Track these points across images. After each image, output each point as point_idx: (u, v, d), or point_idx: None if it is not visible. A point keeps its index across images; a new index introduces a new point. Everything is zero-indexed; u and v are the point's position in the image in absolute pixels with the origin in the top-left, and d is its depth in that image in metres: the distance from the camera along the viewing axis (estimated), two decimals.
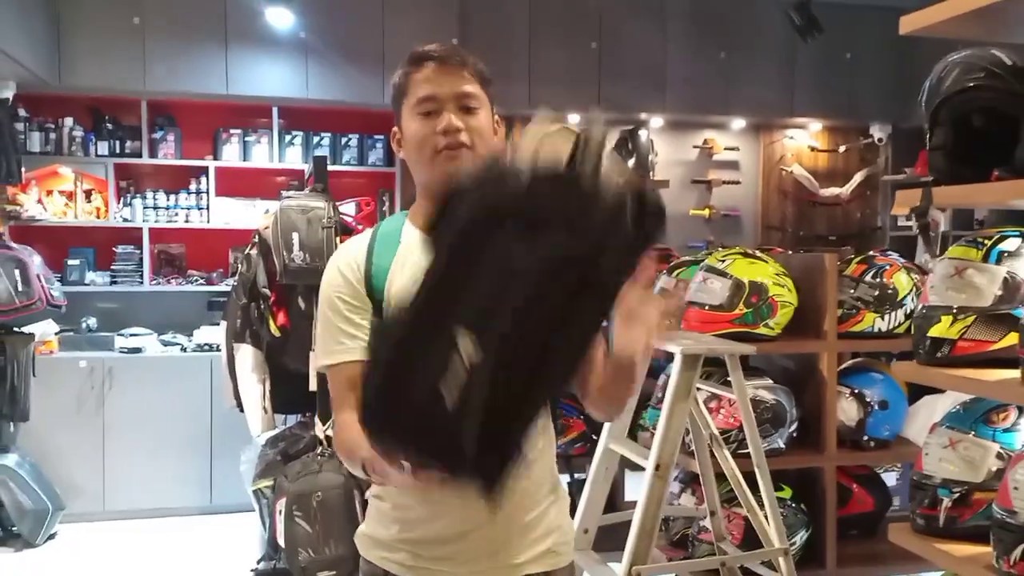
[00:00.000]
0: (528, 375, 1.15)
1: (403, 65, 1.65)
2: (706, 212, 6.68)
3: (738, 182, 6.74)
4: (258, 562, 4.37)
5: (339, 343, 1.61)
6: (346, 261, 1.65)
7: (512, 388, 1.14)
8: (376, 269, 1.62)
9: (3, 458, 4.76)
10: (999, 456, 1.95)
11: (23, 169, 5.37)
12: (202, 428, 5.34)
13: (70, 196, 5.71)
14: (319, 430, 3.66)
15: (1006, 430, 1.99)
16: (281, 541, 3.63)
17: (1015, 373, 1.81)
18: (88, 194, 5.74)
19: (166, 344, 5.60)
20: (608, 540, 3.12)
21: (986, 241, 2.00)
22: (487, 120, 1.64)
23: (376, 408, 1.21)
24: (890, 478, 3.82)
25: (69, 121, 5.68)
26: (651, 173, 6.37)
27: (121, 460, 5.26)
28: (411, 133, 1.62)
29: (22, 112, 5.56)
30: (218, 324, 5.22)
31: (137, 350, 5.43)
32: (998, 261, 1.96)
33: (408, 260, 1.59)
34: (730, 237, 6.54)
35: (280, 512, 3.59)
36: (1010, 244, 1.98)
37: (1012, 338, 1.88)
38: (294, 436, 3.87)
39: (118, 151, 5.74)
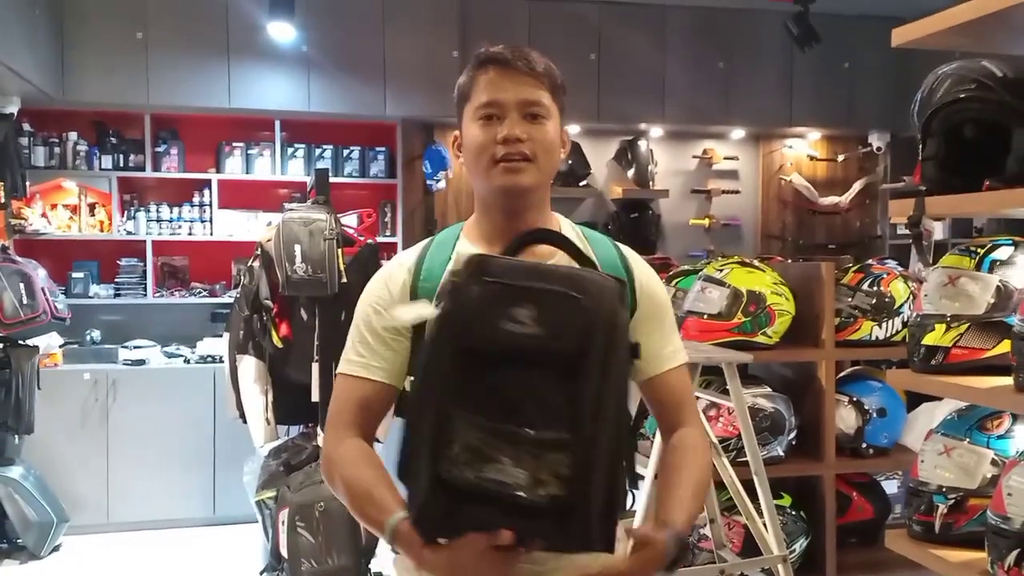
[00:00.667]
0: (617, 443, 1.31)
1: (469, 67, 1.56)
2: (706, 221, 6.70)
3: (737, 191, 6.77)
4: (261, 573, 4.38)
5: (360, 356, 1.54)
6: (393, 275, 1.57)
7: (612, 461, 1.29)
8: (424, 287, 1.52)
9: (8, 470, 4.78)
10: (993, 463, 1.97)
11: (28, 183, 5.41)
12: (205, 439, 5.36)
13: (74, 210, 5.75)
14: (322, 441, 3.68)
15: (1000, 437, 2.01)
16: (284, 552, 3.64)
17: (1008, 380, 1.83)
18: (92, 208, 5.78)
19: (170, 356, 5.62)
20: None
21: (979, 250, 2.02)
22: (554, 132, 1.53)
23: (432, 507, 1.30)
24: (891, 486, 3.83)
25: (73, 135, 5.71)
26: (651, 183, 6.41)
27: (125, 472, 5.28)
28: (470, 139, 1.52)
29: (26, 127, 5.60)
30: (221, 336, 5.25)
31: (141, 362, 5.45)
32: (991, 270, 1.99)
33: None
34: (730, 246, 6.56)
35: (283, 523, 3.61)
36: (1002, 253, 2.01)
37: (1005, 346, 1.90)
38: (297, 447, 3.90)
39: (122, 165, 5.77)
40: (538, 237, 1.49)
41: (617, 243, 1.62)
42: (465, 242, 1.56)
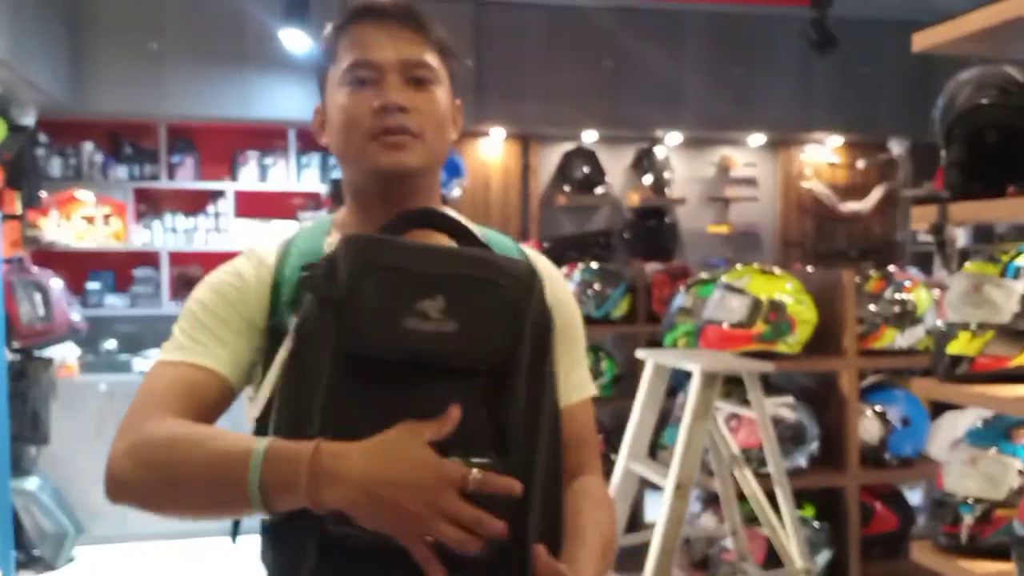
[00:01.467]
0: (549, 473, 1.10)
1: (333, 22, 1.24)
2: (724, 229, 6.66)
3: (756, 199, 6.73)
4: None
5: (191, 340, 1.16)
6: (247, 262, 1.22)
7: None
8: (287, 278, 1.18)
9: (24, 482, 4.78)
10: (1020, 473, 1.93)
11: (43, 194, 5.43)
12: None
13: (89, 220, 5.77)
14: None
15: None
16: None
17: None
18: (107, 218, 5.80)
19: None
20: (628, 561, 3.09)
21: (1003, 256, 1.98)
22: (445, 102, 1.22)
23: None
24: (914, 496, 3.77)
25: (89, 146, 5.74)
26: (668, 191, 6.38)
27: None
28: (336, 109, 1.20)
29: (42, 137, 5.63)
30: None
31: None
32: (1016, 276, 1.94)
33: None
34: (749, 254, 6.52)
35: None
36: None
37: None
38: None
39: (137, 175, 5.80)
40: (421, 217, 1.17)
41: (524, 247, 1.33)
42: (336, 239, 1.20)
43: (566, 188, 6.22)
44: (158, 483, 1.07)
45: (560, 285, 1.31)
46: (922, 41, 2.03)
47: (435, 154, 1.21)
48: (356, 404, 1.01)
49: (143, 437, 1.08)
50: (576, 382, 1.29)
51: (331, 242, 1.21)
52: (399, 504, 0.95)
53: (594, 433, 1.34)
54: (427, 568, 0.97)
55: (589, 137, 6.34)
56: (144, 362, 5.48)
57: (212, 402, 1.16)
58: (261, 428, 1.10)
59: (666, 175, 6.37)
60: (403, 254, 1.05)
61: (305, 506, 0.98)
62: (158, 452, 1.07)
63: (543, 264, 1.30)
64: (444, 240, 1.18)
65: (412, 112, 1.17)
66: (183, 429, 1.07)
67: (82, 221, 5.77)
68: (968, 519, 1.97)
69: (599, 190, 6.32)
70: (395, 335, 1.00)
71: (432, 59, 1.20)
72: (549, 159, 6.38)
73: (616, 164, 6.47)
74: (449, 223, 1.18)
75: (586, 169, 6.23)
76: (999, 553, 1.89)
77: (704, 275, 3.63)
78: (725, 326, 3.19)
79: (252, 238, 5.87)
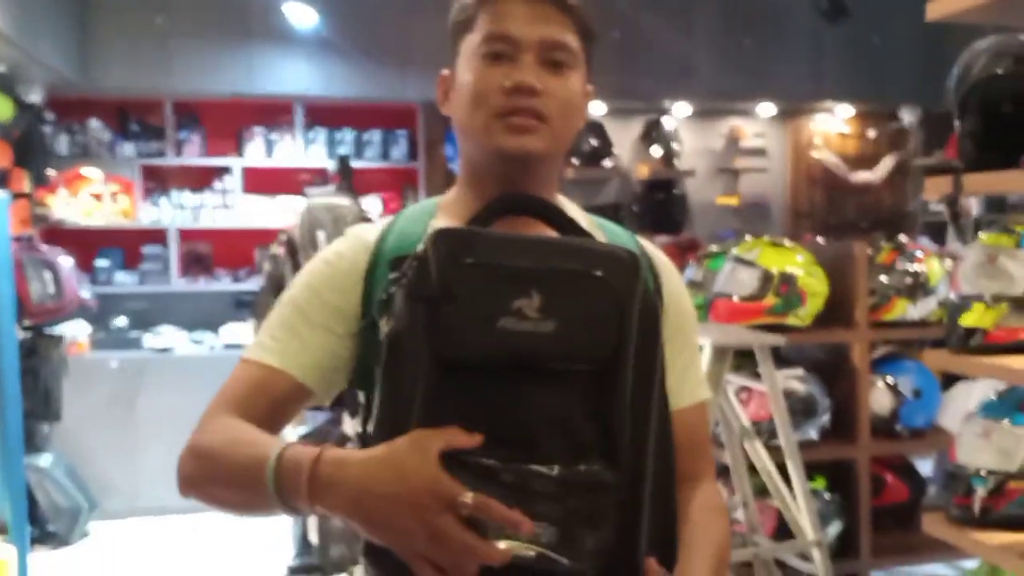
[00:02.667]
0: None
1: None
2: (734, 200, 6.62)
3: (766, 170, 6.68)
4: (294, 559, 4.40)
5: (274, 339, 1.15)
6: (345, 251, 1.18)
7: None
8: (380, 284, 1.11)
9: (37, 458, 4.81)
10: None
11: (51, 172, 5.42)
12: None
13: (97, 198, 5.76)
14: (348, 426, 3.67)
15: None
16: (313, 537, 3.65)
17: None
18: (115, 195, 5.79)
19: (196, 343, 5.64)
20: None
21: (1018, 228, 1.97)
22: (579, 88, 1.17)
23: None
24: (925, 466, 3.78)
25: (95, 123, 5.72)
26: (677, 163, 6.34)
27: (154, 458, 5.29)
28: (466, 81, 1.14)
29: (49, 115, 5.61)
30: (244, 321, 5.25)
31: (167, 349, 5.47)
32: None
33: None
34: (759, 225, 6.47)
35: None
36: None
37: None
38: (324, 432, 3.89)
39: (144, 152, 5.78)
40: (518, 203, 1.12)
41: (643, 242, 1.27)
42: (443, 221, 1.17)
43: (575, 161, 6.19)
44: (209, 481, 1.08)
45: (675, 280, 1.25)
46: (937, 10, 2.00)
47: (560, 140, 1.15)
48: (453, 412, 0.94)
49: (202, 436, 1.10)
50: (690, 385, 1.23)
51: (434, 224, 1.16)
52: (390, 519, 0.91)
53: (708, 438, 1.29)
54: None
55: (597, 109, 6.30)
56: (154, 338, 5.50)
57: (281, 403, 1.14)
58: (364, 442, 1.08)
59: (675, 147, 6.32)
60: (495, 247, 0.97)
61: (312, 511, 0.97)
62: (208, 452, 1.08)
63: (659, 258, 1.25)
64: (543, 229, 1.12)
65: (544, 95, 1.11)
66: (231, 432, 1.08)
67: (90, 199, 5.76)
68: (981, 491, 1.96)
69: (607, 163, 6.28)
70: (491, 337, 0.93)
71: (573, 41, 1.15)
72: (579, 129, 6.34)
73: (625, 136, 6.43)
74: (547, 209, 1.12)
75: (594, 141, 6.19)
76: (1012, 524, 1.89)
77: (714, 248, 3.61)
78: (735, 299, 3.18)
79: (259, 214, 5.87)
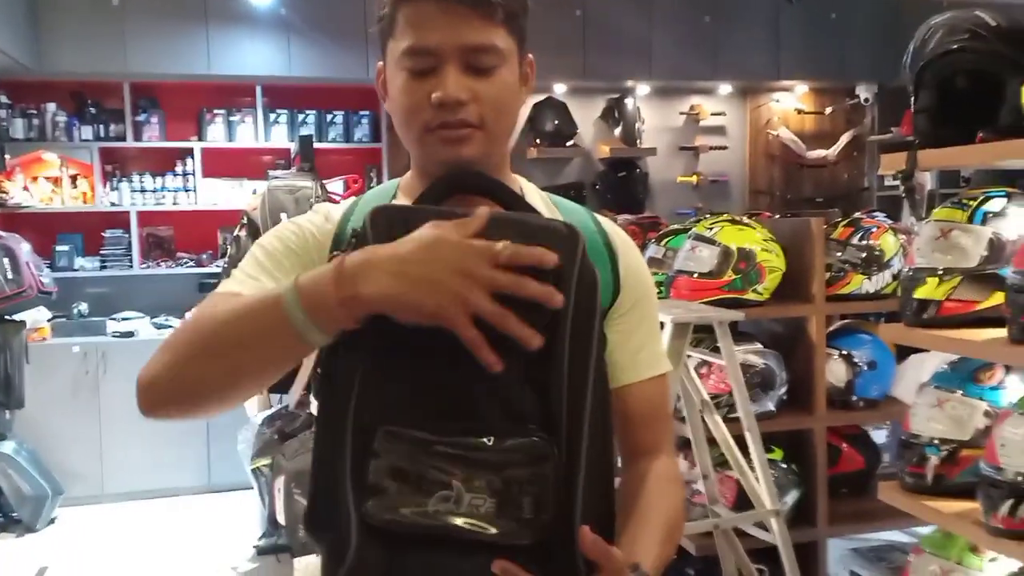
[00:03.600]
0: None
1: None
2: (694, 179, 6.68)
3: (725, 147, 6.74)
4: (260, 539, 4.41)
5: (252, 278, 1.13)
6: (312, 218, 1.20)
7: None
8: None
9: (1, 445, 4.77)
10: (986, 414, 1.97)
11: (7, 156, 5.34)
12: None
13: (56, 182, 5.69)
14: (315, 408, 3.69)
15: (993, 388, 2.01)
16: (281, 519, 3.66)
17: (1001, 332, 1.83)
18: (74, 179, 5.72)
19: (159, 327, 5.60)
20: None
21: (971, 202, 2.01)
22: (510, 81, 1.14)
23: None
24: (880, 435, 3.86)
25: (52, 106, 5.64)
26: (639, 141, 6.38)
27: (118, 443, 5.27)
28: (396, 95, 1.14)
29: (3, 99, 5.52)
30: None
31: (130, 334, 5.43)
32: (983, 222, 1.98)
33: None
34: (718, 203, 6.54)
35: (279, 490, 3.62)
36: (995, 205, 2.00)
37: (998, 298, 1.90)
38: (290, 415, 3.90)
39: (102, 135, 5.71)
40: (464, 181, 1.11)
41: (596, 215, 1.27)
42: (403, 201, 1.20)
43: (537, 140, 6.21)
44: (194, 360, 1.01)
45: (633, 255, 1.25)
46: None
47: (498, 138, 1.15)
48: (392, 386, 0.96)
49: (171, 336, 1.05)
50: (649, 357, 1.23)
51: (404, 198, 1.19)
52: (432, 279, 0.91)
53: (667, 411, 1.30)
54: (477, 351, 0.91)
55: (559, 89, 6.31)
56: (116, 324, 5.45)
57: None
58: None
59: (638, 126, 6.36)
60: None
61: (343, 321, 0.94)
62: (186, 334, 1.03)
63: (618, 234, 1.25)
64: (491, 206, 1.10)
65: (473, 103, 1.09)
66: (212, 309, 1.03)
67: (48, 183, 5.68)
68: (934, 460, 2.01)
69: (570, 142, 6.31)
70: None
71: (498, 37, 1.10)
72: (521, 111, 6.34)
73: (586, 116, 6.45)
74: (493, 186, 1.11)
75: (556, 121, 6.21)
76: (965, 493, 1.93)
77: (675, 226, 3.65)
78: (695, 276, 3.22)
79: (221, 196, 5.82)
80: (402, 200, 1.20)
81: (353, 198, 1.25)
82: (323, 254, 1.13)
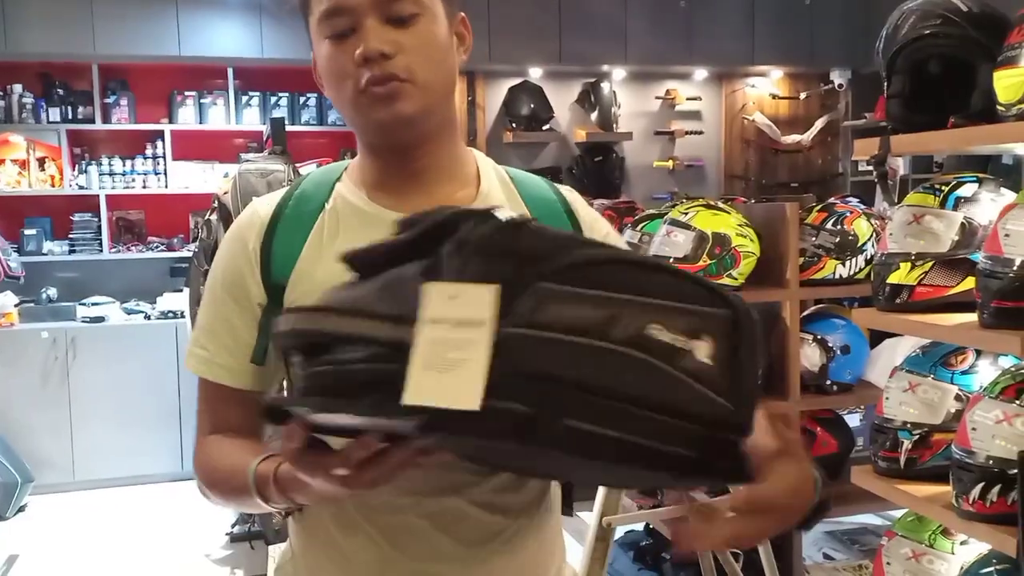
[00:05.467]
0: None
1: None
2: (670, 163, 6.68)
3: (701, 132, 6.74)
4: (232, 526, 4.38)
5: (203, 348, 1.15)
6: (239, 233, 1.16)
7: None
8: (280, 249, 1.12)
9: None
10: (957, 398, 1.98)
11: None
12: (170, 394, 5.31)
13: (23, 165, 5.60)
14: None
15: (964, 372, 2.02)
16: None
17: (972, 317, 1.84)
18: (41, 162, 5.63)
19: (129, 312, 5.54)
20: (579, 490, 3.15)
21: (943, 187, 2.02)
22: (437, 31, 1.09)
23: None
24: (853, 419, 3.88)
25: (18, 88, 5.54)
26: (615, 126, 6.37)
27: (89, 429, 5.22)
28: (323, 64, 1.11)
29: None
30: (182, 291, 5.17)
31: (100, 319, 5.37)
32: (955, 207, 1.98)
33: (339, 238, 1.11)
34: (694, 187, 6.55)
35: None
36: (967, 190, 2.00)
37: (969, 283, 1.91)
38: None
39: (70, 117, 5.62)
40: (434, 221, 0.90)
41: (557, 186, 1.27)
42: (348, 185, 1.17)
43: (512, 125, 6.18)
44: (213, 491, 1.16)
45: (596, 217, 1.27)
46: None
47: (434, 93, 1.10)
48: None
49: (197, 458, 1.19)
50: None
51: (341, 190, 1.16)
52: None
53: None
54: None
55: (535, 73, 6.28)
56: (86, 309, 5.39)
57: (240, 402, 1.15)
58: None
59: (614, 110, 6.34)
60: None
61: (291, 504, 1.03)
62: (203, 471, 1.18)
63: (577, 201, 1.26)
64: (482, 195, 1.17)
65: (398, 55, 1.05)
66: (213, 458, 1.16)
67: (15, 165, 5.60)
68: (907, 444, 2.02)
69: (546, 127, 6.28)
70: None
71: None
72: (496, 96, 6.31)
73: (562, 100, 6.42)
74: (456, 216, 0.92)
75: (532, 105, 6.18)
76: (937, 476, 1.94)
77: (651, 211, 3.65)
78: (671, 261, 3.22)
79: (192, 180, 5.76)
80: (347, 184, 1.17)
81: (291, 184, 1.22)
82: (253, 259, 1.13)
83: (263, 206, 1.17)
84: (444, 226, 0.83)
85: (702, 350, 0.82)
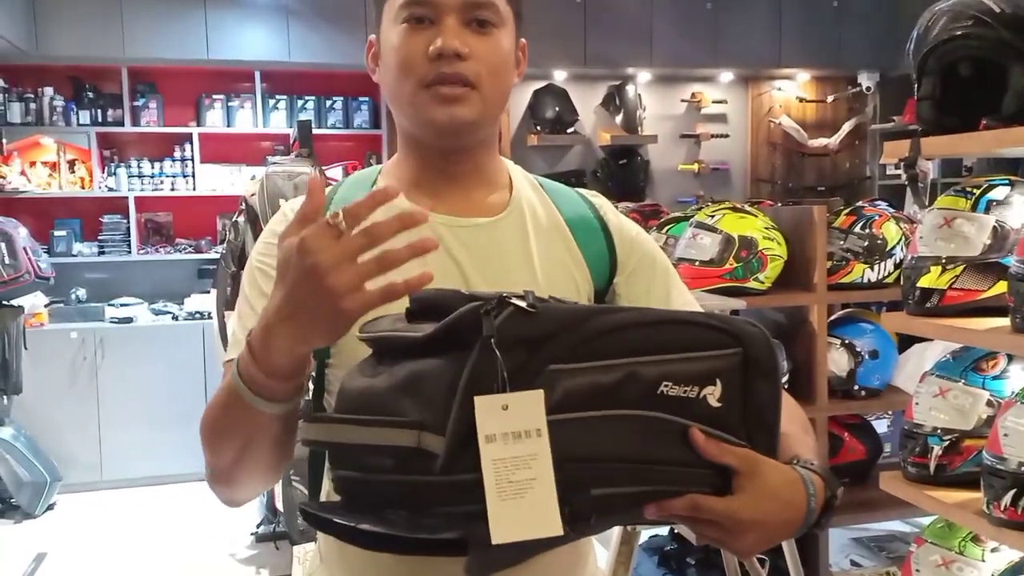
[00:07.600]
0: None
1: None
2: (695, 167, 6.65)
3: (727, 135, 6.71)
4: (258, 526, 4.41)
5: (236, 335, 1.13)
6: (277, 229, 1.12)
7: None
8: None
9: None
10: (989, 404, 1.96)
11: (4, 141, 5.31)
12: (196, 395, 5.34)
13: (53, 167, 5.66)
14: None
15: (995, 377, 2.00)
16: (279, 505, 3.65)
17: (1004, 321, 1.82)
18: (72, 164, 5.69)
19: (157, 313, 5.59)
20: None
21: (975, 190, 1.99)
22: (508, 47, 1.11)
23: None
24: (881, 425, 3.85)
25: (49, 91, 5.61)
26: (639, 129, 6.35)
27: (117, 429, 5.27)
28: (389, 49, 1.10)
29: (0, 83, 5.49)
30: (208, 292, 5.21)
31: (128, 320, 5.42)
32: (987, 210, 1.96)
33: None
34: (720, 191, 6.52)
35: None
36: (999, 193, 1.98)
37: (1001, 287, 1.88)
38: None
39: (100, 120, 5.68)
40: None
41: (582, 191, 1.28)
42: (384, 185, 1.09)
43: (537, 127, 6.18)
44: (209, 454, 1.06)
45: (627, 223, 1.26)
46: None
47: (492, 104, 1.11)
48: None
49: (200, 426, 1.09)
50: (679, 304, 1.22)
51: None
52: (307, 301, 0.83)
53: None
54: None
55: (559, 76, 6.28)
56: (114, 310, 5.44)
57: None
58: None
59: (639, 113, 6.33)
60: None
61: (286, 389, 0.92)
62: (201, 431, 1.07)
63: (608, 209, 1.25)
64: (514, 205, 1.16)
65: (470, 59, 1.06)
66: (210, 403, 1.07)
67: (45, 168, 5.66)
68: (937, 450, 2.00)
69: (571, 129, 6.28)
70: None
71: (498, 0, 1.09)
72: (521, 98, 6.32)
73: (587, 103, 6.42)
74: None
75: (557, 108, 6.18)
76: (968, 483, 1.92)
77: (676, 214, 3.63)
78: (697, 264, 3.20)
79: (220, 182, 5.80)
80: (383, 184, 1.14)
81: (332, 185, 1.22)
82: None
83: (292, 211, 1.16)
84: (463, 320, 0.83)
85: (713, 395, 0.90)
